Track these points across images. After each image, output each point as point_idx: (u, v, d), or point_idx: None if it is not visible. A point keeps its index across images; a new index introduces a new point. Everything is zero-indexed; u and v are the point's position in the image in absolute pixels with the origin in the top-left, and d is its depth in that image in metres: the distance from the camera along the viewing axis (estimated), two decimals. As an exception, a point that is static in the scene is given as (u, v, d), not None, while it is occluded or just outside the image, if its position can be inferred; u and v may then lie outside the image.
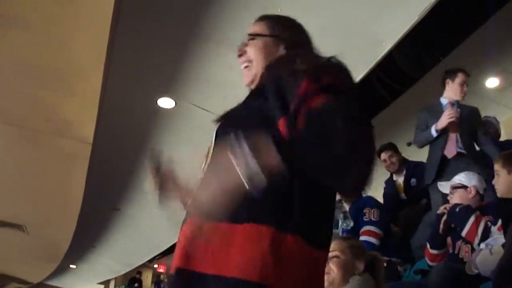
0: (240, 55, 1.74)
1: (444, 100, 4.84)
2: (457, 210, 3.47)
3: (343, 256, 2.69)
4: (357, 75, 5.35)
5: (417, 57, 7.02)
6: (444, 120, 4.56)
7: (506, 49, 6.41)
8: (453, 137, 4.63)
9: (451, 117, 4.51)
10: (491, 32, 6.17)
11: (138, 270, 19.84)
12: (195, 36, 4.97)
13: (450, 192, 3.77)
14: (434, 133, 4.68)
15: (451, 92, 4.83)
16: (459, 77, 4.80)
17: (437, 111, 4.74)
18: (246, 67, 1.72)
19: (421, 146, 4.96)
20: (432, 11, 4.67)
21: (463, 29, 6.37)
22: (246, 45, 1.75)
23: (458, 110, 4.61)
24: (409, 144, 8.27)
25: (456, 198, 3.68)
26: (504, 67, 5.39)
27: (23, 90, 5.63)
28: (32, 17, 4.51)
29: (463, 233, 3.31)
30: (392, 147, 5.77)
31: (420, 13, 4.63)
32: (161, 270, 23.39)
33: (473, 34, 6.34)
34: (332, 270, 2.65)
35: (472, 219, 3.31)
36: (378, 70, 6.41)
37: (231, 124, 1.53)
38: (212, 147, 1.56)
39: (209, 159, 1.54)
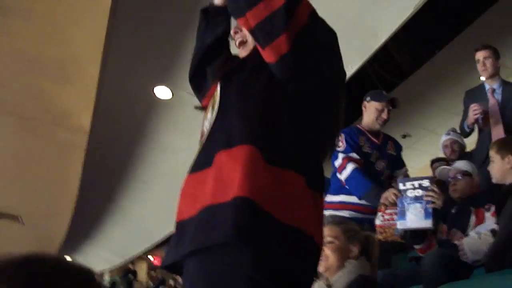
0: (235, 32, 1.80)
1: (486, 85, 4.57)
2: (453, 211, 3.48)
3: (338, 241, 2.71)
4: (352, 67, 5.38)
5: (412, 49, 7.06)
6: (471, 116, 4.27)
7: (503, 43, 6.43)
8: (498, 130, 4.26)
9: (475, 114, 4.22)
10: (488, 24, 6.20)
11: (131, 261, 19.81)
12: (193, 25, 4.94)
13: (454, 177, 3.76)
14: (466, 129, 4.45)
15: (480, 72, 4.57)
16: (476, 55, 4.56)
17: (479, 97, 4.46)
18: (241, 43, 1.79)
19: (465, 137, 4.82)
20: (427, 3, 4.69)
21: (459, 22, 6.40)
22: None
23: (487, 102, 4.36)
24: (403, 137, 8.35)
25: (462, 184, 3.67)
26: (502, 61, 5.41)
27: (21, 79, 5.65)
28: (31, 7, 4.53)
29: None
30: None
31: (416, 5, 4.66)
32: (156, 262, 23.40)
33: (469, 27, 6.37)
34: (328, 256, 2.67)
35: (473, 218, 3.33)
36: (373, 62, 6.45)
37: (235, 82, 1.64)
38: (217, 101, 1.64)
39: (214, 112, 1.62)
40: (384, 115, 3.99)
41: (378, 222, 3.47)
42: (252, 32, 1.52)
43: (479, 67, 4.54)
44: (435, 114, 8.08)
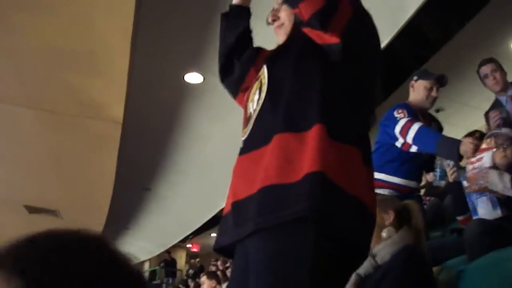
0: (274, 20, 1.87)
1: (501, 97, 4.40)
2: None
3: None
4: (381, 42, 5.32)
5: (442, 22, 6.96)
6: (492, 125, 4.09)
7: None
8: None
9: (496, 121, 4.05)
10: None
11: (167, 250, 19.95)
12: (220, 8, 4.93)
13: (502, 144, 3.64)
14: None
15: (492, 86, 4.41)
16: (482, 70, 4.44)
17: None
18: (278, 26, 1.87)
19: None
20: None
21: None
22: (278, 10, 1.88)
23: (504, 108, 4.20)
24: (437, 111, 8.24)
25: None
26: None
27: (51, 74, 5.67)
28: (56, 1, 4.56)
29: None
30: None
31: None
32: (194, 250, 23.62)
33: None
34: None
35: None
36: (402, 37, 6.38)
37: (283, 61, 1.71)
38: (265, 84, 1.69)
39: (263, 93, 1.67)
40: (434, 93, 3.95)
41: (469, 174, 3.37)
42: (308, 21, 1.56)
43: (490, 81, 4.39)
44: (468, 87, 7.95)
